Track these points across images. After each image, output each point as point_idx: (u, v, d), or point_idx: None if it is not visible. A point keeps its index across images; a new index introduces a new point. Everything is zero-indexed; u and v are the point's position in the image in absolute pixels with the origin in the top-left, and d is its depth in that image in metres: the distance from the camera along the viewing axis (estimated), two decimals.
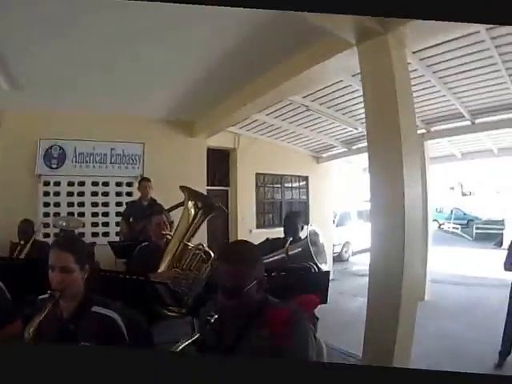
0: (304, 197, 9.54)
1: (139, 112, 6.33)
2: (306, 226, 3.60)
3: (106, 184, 6.48)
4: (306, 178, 9.51)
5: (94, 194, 6.46)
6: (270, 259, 3.25)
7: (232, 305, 1.56)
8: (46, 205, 6.30)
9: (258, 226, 8.47)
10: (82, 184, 6.46)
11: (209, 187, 7.29)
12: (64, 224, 4.12)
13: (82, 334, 1.74)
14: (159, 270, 3.29)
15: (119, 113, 6.29)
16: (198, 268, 3.27)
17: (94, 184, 6.50)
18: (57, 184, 6.37)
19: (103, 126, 6.44)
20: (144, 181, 5.51)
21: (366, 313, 3.41)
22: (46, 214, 6.28)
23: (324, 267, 3.20)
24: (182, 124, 6.98)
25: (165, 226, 3.63)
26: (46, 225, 6.01)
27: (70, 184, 6.40)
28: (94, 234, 6.40)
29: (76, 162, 6.45)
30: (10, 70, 4.52)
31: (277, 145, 8.34)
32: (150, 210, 4.90)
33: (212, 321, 1.56)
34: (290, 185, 9.30)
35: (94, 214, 6.47)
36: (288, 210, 8.40)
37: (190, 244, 3.31)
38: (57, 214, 6.27)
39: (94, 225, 6.47)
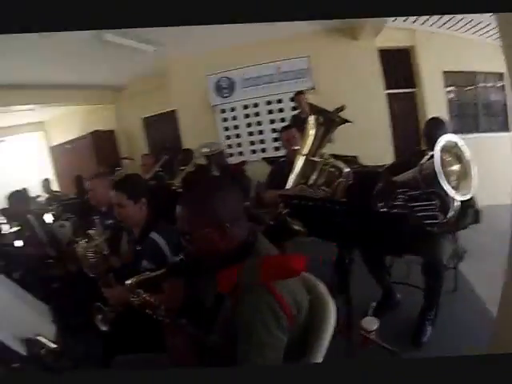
0: (500, 98, 8.10)
1: (297, 27, 6.57)
2: None
3: (279, 101, 7.40)
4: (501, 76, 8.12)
5: (270, 112, 7.51)
6: (400, 178, 3.04)
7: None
8: (226, 129, 7.96)
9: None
10: (256, 105, 7.65)
11: (389, 91, 7.35)
12: (207, 150, 5.06)
13: (143, 254, 2.49)
14: (286, 187, 3.59)
15: (277, 33, 6.85)
16: (328, 184, 3.40)
17: (268, 103, 7.53)
18: (232, 110, 7.85)
19: (266, 49, 7.26)
20: (297, 94, 6.03)
21: None
22: (228, 137, 7.98)
23: (462, 196, 2.74)
24: (343, 28, 7.10)
25: (294, 140, 3.86)
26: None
27: (244, 107, 7.75)
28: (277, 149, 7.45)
29: (245, 87, 7.63)
30: None
31: (461, 38, 7.48)
32: None
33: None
34: (484, 84, 8.12)
35: (273, 131, 7.53)
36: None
37: (315, 158, 3.45)
38: (238, 136, 7.89)
39: (274, 140, 7.56)
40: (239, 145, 7.95)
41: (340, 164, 3.34)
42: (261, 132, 7.68)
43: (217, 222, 1.47)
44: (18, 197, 4.66)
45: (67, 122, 11.40)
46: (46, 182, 8.13)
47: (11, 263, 4.04)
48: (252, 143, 7.80)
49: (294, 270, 1.41)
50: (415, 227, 2.74)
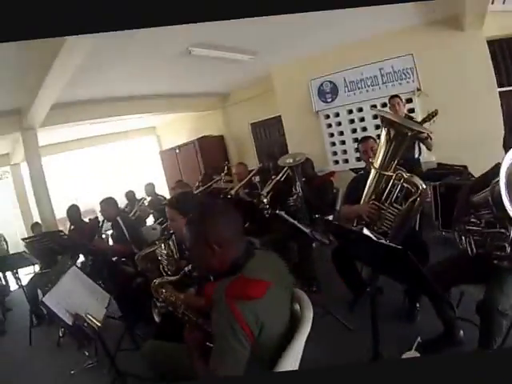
0: None
1: (398, 23, 6.73)
2: None
3: (384, 105, 7.17)
4: None
5: (375, 117, 7.43)
6: (476, 198, 2.77)
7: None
8: (331, 135, 8.27)
9: None
10: (360, 110, 7.81)
11: (502, 88, 6.84)
12: (290, 161, 5.10)
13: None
14: (361, 202, 3.69)
15: (377, 32, 7.03)
16: (400, 202, 3.42)
17: (373, 106, 7.54)
18: (336, 115, 8.11)
19: (367, 49, 7.41)
20: (391, 99, 5.95)
21: None
22: (333, 144, 8.29)
23: None
24: (447, 18, 6.76)
25: (371, 152, 3.97)
26: None
27: (349, 112, 7.95)
28: None
29: (348, 91, 7.86)
30: None
31: None
32: None
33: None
34: None
35: (378, 136, 7.74)
36: None
37: (386, 172, 3.45)
38: (342, 143, 8.16)
39: None
40: (345, 152, 8.20)
41: (416, 180, 3.33)
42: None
43: (207, 244, 1.86)
44: (109, 202, 5.54)
45: (177, 128, 12.67)
46: (150, 185, 8.96)
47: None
48: (357, 150, 7.81)
49: (249, 295, 1.70)
50: (481, 256, 2.69)
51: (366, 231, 2.46)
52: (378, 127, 7.31)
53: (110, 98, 8.56)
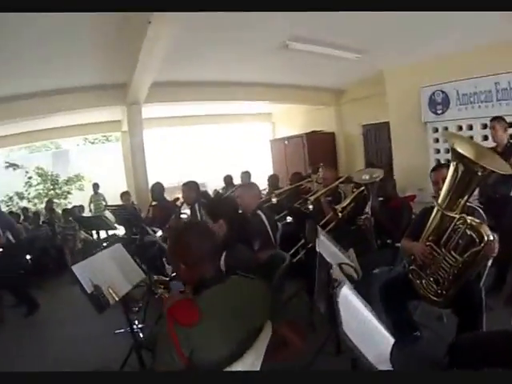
0: None
1: None
2: None
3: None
4: None
5: (485, 138, 6.68)
6: None
7: None
8: (437, 151, 7.60)
9: None
10: (470, 128, 7.04)
11: None
12: (367, 177, 4.98)
13: None
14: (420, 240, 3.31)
15: (499, 39, 6.16)
16: (460, 250, 2.95)
17: (483, 127, 6.75)
18: (446, 129, 7.36)
19: (483, 59, 6.58)
20: (494, 120, 5.08)
21: None
22: (438, 161, 7.49)
23: None
24: None
25: (443, 183, 3.31)
26: None
27: (459, 128, 7.17)
28: None
29: (460, 104, 7.09)
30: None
31: None
32: (504, 159, 4.84)
33: None
34: None
35: None
36: None
37: (449, 213, 3.01)
38: (448, 161, 7.54)
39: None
40: None
41: (483, 229, 2.82)
42: None
43: (177, 260, 2.07)
44: (191, 186, 5.72)
45: (291, 118, 12.63)
46: (246, 174, 8.96)
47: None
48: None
49: (181, 322, 1.83)
50: None
51: None
52: None
53: (221, 81, 8.81)
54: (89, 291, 3.03)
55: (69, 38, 5.30)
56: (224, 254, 3.23)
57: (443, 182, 3.26)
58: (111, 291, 3.15)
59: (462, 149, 2.89)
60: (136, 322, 3.66)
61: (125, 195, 7.86)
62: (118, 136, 13.23)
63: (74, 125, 11.32)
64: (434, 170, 3.90)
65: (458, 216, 2.96)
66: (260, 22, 5.42)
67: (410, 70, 7.66)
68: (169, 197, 13.37)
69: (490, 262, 3.18)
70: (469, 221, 2.88)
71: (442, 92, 7.35)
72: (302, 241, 5.16)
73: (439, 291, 3.07)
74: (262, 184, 10.39)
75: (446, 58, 7.00)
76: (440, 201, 3.12)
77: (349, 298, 2.08)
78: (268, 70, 8.27)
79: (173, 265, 2.38)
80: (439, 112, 7.46)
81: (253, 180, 8.80)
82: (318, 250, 2.96)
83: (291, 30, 6.04)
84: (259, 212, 4.35)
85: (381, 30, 5.81)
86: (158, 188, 6.85)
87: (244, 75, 8.57)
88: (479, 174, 2.86)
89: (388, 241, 4.56)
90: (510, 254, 4.20)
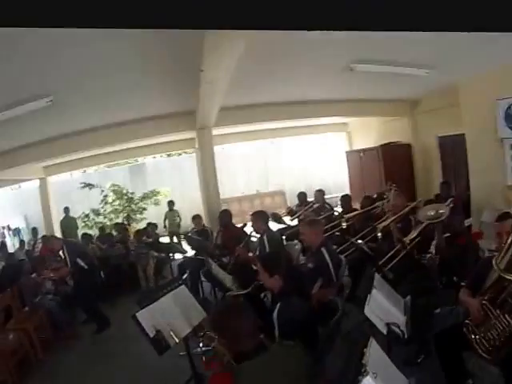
0: None
1: None
2: None
3: None
4: None
5: None
6: None
7: None
8: None
9: None
10: None
11: None
12: (432, 213, 4.80)
13: None
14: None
15: None
16: None
17: None
18: None
19: None
20: None
21: None
22: None
23: None
24: None
25: (507, 235, 3.20)
26: None
27: None
28: None
29: None
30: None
31: None
32: None
33: None
34: None
35: None
36: None
37: (508, 276, 2.84)
38: None
39: None
40: None
41: None
42: None
43: (218, 335, 2.38)
44: (260, 215, 5.92)
45: (367, 128, 12.45)
46: (320, 192, 8.75)
47: None
48: None
49: None
50: None
51: None
52: None
53: (292, 101, 9.08)
54: (151, 335, 3.26)
55: (137, 72, 5.73)
56: (277, 307, 3.27)
57: (507, 234, 3.14)
58: (172, 334, 3.34)
59: None
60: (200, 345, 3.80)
61: (196, 219, 7.99)
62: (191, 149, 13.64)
63: (151, 144, 11.84)
64: (498, 219, 3.72)
65: None
66: (323, 46, 5.47)
67: (484, 82, 7.12)
68: (250, 204, 13.79)
69: None
70: None
71: None
72: None
73: (490, 349, 2.93)
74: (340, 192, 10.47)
75: None
76: (499, 260, 2.96)
77: None
78: (338, 88, 8.32)
79: (217, 337, 2.44)
80: None
81: (329, 191, 8.82)
82: (365, 310, 2.97)
83: (355, 53, 6.05)
84: (323, 249, 4.29)
85: (449, 43, 5.58)
86: (226, 215, 7.01)
87: (315, 93, 8.70)
88: None
89: (454, 278, 4.36)
90: None
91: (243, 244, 5.86)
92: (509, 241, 2.94)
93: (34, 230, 11.82)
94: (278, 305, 3.35)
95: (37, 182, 13.39)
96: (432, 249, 4.60)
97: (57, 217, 12.84)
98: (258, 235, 5.79)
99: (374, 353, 2.32)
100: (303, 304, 3.54)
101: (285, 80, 7.23)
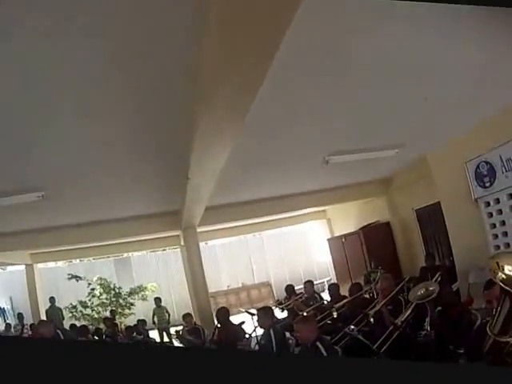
0: None
1: None
2: None
3: None
4: None
5: None
6: None
7: None
8: (493, 226, 7.25)
9: None
10: None
11: None
12: (422, 292, 4.75)
13: None
14: None
15: None
16: None
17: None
18: (496, 202, 7.10)
19: None
20: None
21: None
22: (495, 236, 7.23)
23: None
24: None
25: (496, 301, 3.32)
26: None
27: (510, 197, 6.86)
28: None
29: (506, 170, 6.79)
30: None
31: None
32: None
33: None
34: None
35: None
36: None
37: (502, 339, 3.00)
38: (504, 234, 7.07)
39: None
40: (508, 245, 7.02)
41: None
42: None
43: None
44: (266, 312, 6.00)
45: (346, 211, 12.68)
46: (309, 284, 8.80)
47: None
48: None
49: None
50: None
51: None
52: None
53: (272, 196, 9.54)
54: None
55: (125, 175, 6.12)
56: None
57: (497, 300, 3.23)
58: None
59: (505, 279, 2.91)
60: None
61: (187, 317, 7.95)
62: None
63: (135, 240, 11.97)
64: (486, 287, 3.91)
65: (511, 340, 2.95)
66: (300, 143, 5.85)
67: (451, 147, 7.57)
68: (236, 296, 13.68)
69: None
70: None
71: (487, 163, 7.15)
72: None
73: None
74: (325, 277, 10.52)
75: (481, 127, 6.81)
76: (492, 325, 3.07)
77: None
78: (314, 180, 8.79)
79: None
80: (487, 185, 7.24)
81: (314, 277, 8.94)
82: None
83: (328, 146, 6.43)
84: (318, 344, 4.43)
85: (412, 120, 5.97)
86: (223, 312, 6.97)
87: (293, 187, 9.18)
88: None
89: (450, 347, 4.44)
90: None
91: (247, 338, 6.11)
92: (498, 309, 3.04)
93: (20, 316, 11.66)
94: None
95: (23, 267, 13.16)
96: (426, 325, 4.72)
97: (43, 303, 12.54)
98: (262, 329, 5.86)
99: None
100: None
101: (266, 178, 7.67)
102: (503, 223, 7.17)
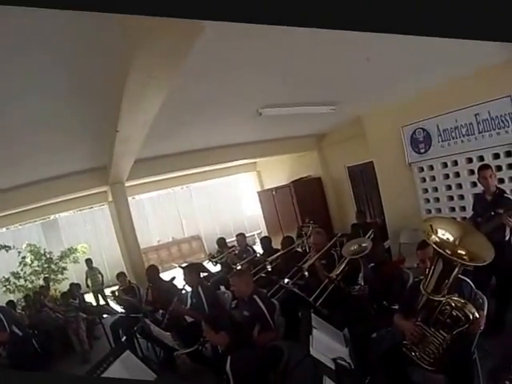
0: None
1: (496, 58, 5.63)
2: None
3: (481, 158, 6.50)
4: None
5: (471, 172, 6.63)
6: None
7: None
8: (425, 191, 7.58)
9: None
10: (455, 163, 7.00)
11: None
12: (355, 247, 5.02)
13: None
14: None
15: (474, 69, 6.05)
16: (448, 329, 3.10)
17: (469, 161, 6.72)
18: (430, 168, 7.39)
19: (460, 91, 6.51)
20: (482, 169, 5.09)
21: None
22: (427, 200, 7.58)
23: None
24: None
25: (429, 261, 3.48)
26: None
27: (444, 166, 7.17)
28: None
29: (442, 140, 7.07)
30: None
31: None
32: (494, 208, 4.71)
33: None
34: None
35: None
36: None
37: (435, 297, 3.15)
38: (436, 200, 7.43)
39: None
40: (439, 210, 7.42)
41: (468, 309, 3.00)
42: (462, 197, 6.98)
43: None
44: (191, 268, 6.21)
45: (277, 164, 12.77)
46: (241, 236, 8.89)
47: None
48: (452, 209, 7.18)
49: None
50: None
51: None
52: (474, 184, 6.48)
53: (203, 148, 9.30)
54: None
55: (51, 129, 5.51)
56: (229, 361, 3.31)
57: (430, 260, 3.41)
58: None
59: (439, 239, 3.08)
60: None
61: (120, 276, 7.82)
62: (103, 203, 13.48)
63: (61, 201, 11.51)
64: (419, 247, 3.95)
65: (443, 300, 3.11)
66: (233, 94, 5.63)
67: (387, 111, 7.72)
68: (167, 251, 13.70)
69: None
70: (453, 304, 3.05)
71: (423, 130, 7.38)
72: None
73: (432, 361, 3.19)
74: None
75: (423, 95, 7.00)
76: (426, 284, 3.22)
77: None
78: (245, 131, 8.55)
79: None
80: (422, 151, 7.49)
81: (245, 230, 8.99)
82: (311, 352, 3.08)
83: (262, 98, 6.24)
84: (255, 297, 4.56)
85: (351, 79, 5.91)
86: (153, 270, 7.04)
87: (224, 139, 8.95)
88: (458, 267, 3.03)
89: (384, 303, 4.60)
90: (508, 297, 4.68)
91: (177, 298, 5.84)
92: (431, 268, 3.19)
93: None
94: (229, 359, 3.33)
95: None
96: (360, 280, 4.84)
97: None
98: (190, 288, 5.92)
99: None
100: (251, 353, 3.62)
101: (198, 130, 7.40)
102: (435, 189, 7.52)
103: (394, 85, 6.52)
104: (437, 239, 3.07)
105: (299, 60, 4.68)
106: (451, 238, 3.07)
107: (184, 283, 6.03)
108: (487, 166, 5.21)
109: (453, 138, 7.01)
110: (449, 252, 2.97)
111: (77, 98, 4.52)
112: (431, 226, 3.19)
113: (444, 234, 3.09)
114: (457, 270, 3.03)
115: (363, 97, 7.12)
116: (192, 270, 6.08)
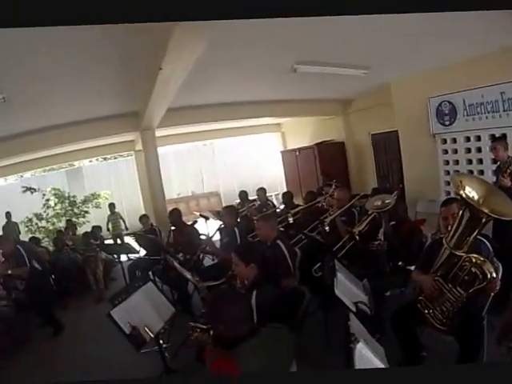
0: None
1: None
2: None
3: (504, 137, 6.38)
4: None
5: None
6: None
7: None
8: (446, 163, 7.71)
9: None
10: (478, 139, 7.09)
11: None
12: (379, 203, 5.07)
13: None
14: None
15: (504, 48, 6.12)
16: (465, 286, 3.19)
17: (492, 137, 6.65)
18: (453, 141, 7.50)
19: (489, 69, 6.55)
20: (494, 142, 5.47)
21: None
22: (447, 172, 7.68)
23: None
24: None
25: (453, 218, 3.53)
26: None
27: (466, 140, 7.27)
28: None
29: (467, 115, 7.14)
30: None
31: None
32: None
33: None
34: None
35: (494, 172, 6.43)
36: None
37: (457, 252, 3.21)
38: (456, 171, 7.33)
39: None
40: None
41: (486, 267, 3.06)
42: (482, 172, 7.07)
43: (215, 323, 2.55)
44: (229, 211, 6.39)
45: (301, 127, 12.98)
46: (262, 191, 8.96)
47: None
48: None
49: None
50: None
51: None
52: (495, 161, 6.36)
53: (230, 102, 9.39)
54: (127, 332, 3.43)
55: (83, 72, 5.66)
56: (254, 294, 3.43)
57: (453, 217, 3.52)
58: (147, 330, 3.54)
59: (467, 194, 3.13)
60: (161, 342, 3.91)
61: (143, 218, 8.09)
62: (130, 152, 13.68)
63: (87, 148, 11.76)
64: (443, 205, 3.95)
65: (464, 255, 3.19)
66: (269, 48, 5.72)
67: (416, 81, 7.79)
68: (186, 205, 13.92)
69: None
70: (474, 260, 3.13)
71: (449, 103, 7.44)
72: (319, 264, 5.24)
73: (444, 320, 3.30)
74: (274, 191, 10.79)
75: (452, 68, 7.07)
76: (448, 239, 3.31)
77: (363, 353, 2.35)
78: (276, 89, 8.61)
79: (212, 326, 2.69)
80: (447, 123, 7.57)
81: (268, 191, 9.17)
82: (336, 292, 3.28)
83: (298, 54, 6.31)
84: (279, 242, 4.64)
85: (385, 44, 5.96)
86: (176, 213, 7.16)
87: (254, 95, 9.03)
88: (484, 220, 3.10)
89: (400, 263, 4.78)
90: None
91: (207, 237, 6.15)
92: (456, 222, 3.29)
93: None
94: (255, 292, 3.42)
95: None
96: (380, 236, 4.85)
97: None
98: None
99: (355, 325, 2.67)
100: (275, 290, 3.71)
101: (227, 82, 7.50)
102: (456, 162, 7.65)
103: (425, 55, 6.58)
104: (464, 195, 3.12)
105: (335, 20, 4.79)
106: (476, 196, 3.13)
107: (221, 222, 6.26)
108: (501, 139, 5.59)
109: (478, 114, 7.10)
110: (476, 205, 3.06)
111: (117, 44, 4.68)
112: (461, 181, 3.25)
113: (470, 192, 3.13)
114: (483, 223, 3.09)
115: (394, 65, 7.18)
116: (232, 211, 6.37)
